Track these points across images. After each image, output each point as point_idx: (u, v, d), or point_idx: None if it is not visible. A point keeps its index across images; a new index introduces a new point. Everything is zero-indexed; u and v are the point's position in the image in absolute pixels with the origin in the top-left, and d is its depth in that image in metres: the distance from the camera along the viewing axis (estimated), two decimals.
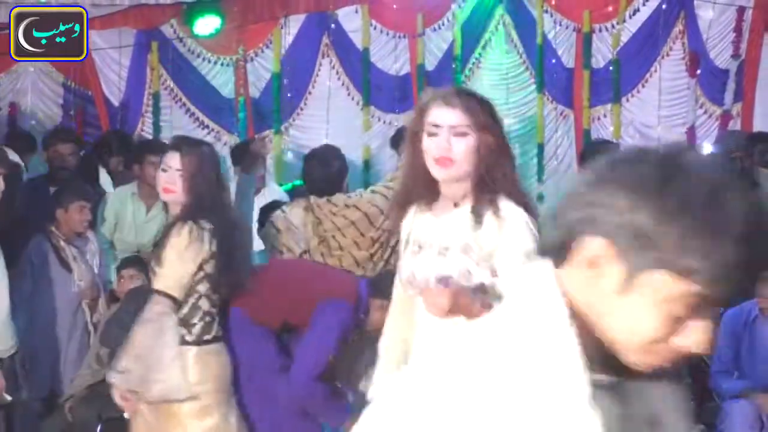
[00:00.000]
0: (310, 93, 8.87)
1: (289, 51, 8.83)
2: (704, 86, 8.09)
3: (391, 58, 8.71)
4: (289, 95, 8.88)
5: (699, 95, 8.11)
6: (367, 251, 5.27)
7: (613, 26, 8.26)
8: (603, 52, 8.30)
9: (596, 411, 1.29)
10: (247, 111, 8.92)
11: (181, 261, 4.20)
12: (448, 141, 3.01)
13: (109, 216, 6.99)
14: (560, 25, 8.37)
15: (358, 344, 4.37)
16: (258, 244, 6.24)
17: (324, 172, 5.53)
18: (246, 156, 5.76)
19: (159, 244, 4.30)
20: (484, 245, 2.97)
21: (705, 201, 1.26)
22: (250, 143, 6.38)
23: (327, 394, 4.51)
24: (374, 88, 8.71)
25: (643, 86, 8.24)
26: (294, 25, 8.85)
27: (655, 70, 8.20)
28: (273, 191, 7.40)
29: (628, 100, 8.28)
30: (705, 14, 8.06)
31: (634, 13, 8.22)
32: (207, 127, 8.98)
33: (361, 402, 3.28)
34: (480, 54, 8.53)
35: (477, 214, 3.00)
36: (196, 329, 4.26)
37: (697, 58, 8.05)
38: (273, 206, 5.96)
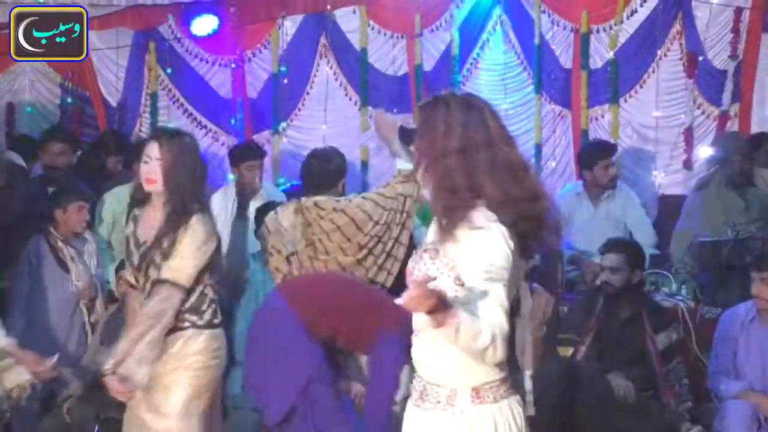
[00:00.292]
0: (307, 93, 8.87)
1: (286, 51, 8.83)
2: (702, 87, 8.08)
3: (388, 58, 8.71)
4: (286, 96, 8.88)
5: (696, 96, 8.11)
6: (354, 257, 5.26)
7: (610, 27, 8.25)
8: (601, 53, 8.29)
9: None
10: (244, 111, 8.92)
11: (200, 253, 4.35)
12: None
13: (107, 216, 7.00)
14: (558, 25, 8.36)
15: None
16: (256, 245, 6.26)
17: (322, 167, 5.55)
18: None
19: (165, 236, 4.33)
20: (450, 254, 2.94)
21: None
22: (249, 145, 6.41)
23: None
24: (372, 88, 8.71)
25: (641, 87, 8.24)
26: (292, 25, 8.85)
27: (653, 71, 8.19)
28: (270, 192, 7.40)
29: (625, 101, 8.27)
30: (702, 15, 8.04)
31: (631, 14, 8.21)
32: (205, 127, 8.99)
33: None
34: (478, 54, 8.53)
35: (449, 223, 2.96)
36: (206, 315, 4.45)
37: (694, 58, 8.04)
38: (269, 207, 5.97)
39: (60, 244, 6.18)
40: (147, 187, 4.43)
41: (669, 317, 6.10)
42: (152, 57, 8.97)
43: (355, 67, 8.74)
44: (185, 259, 4.32)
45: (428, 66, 8.59)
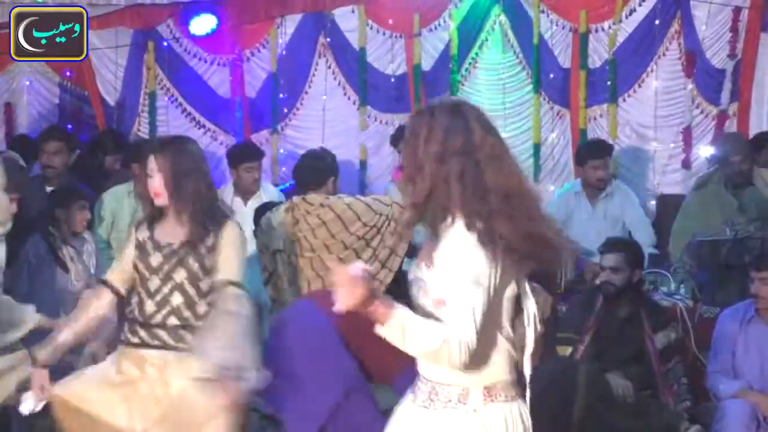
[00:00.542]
0: (306, 93, 8.87)
1: (285, 51, 8.84)
2: (700, 86, 8.09)
3: (387, 58, 8.71)
4: (285, 95, 8.88)
5: (695, 95, 8.11)
6: (337, 255, 5.25)
7: (609, 26, 8.25)
8: (599, 52, 8.30)
9: None
10: (243, 111, 8.92)
11: (244, 253, 4.32)
12: None
13: (106, 215, 7.00)
14: (557, 25, 8.37)
15: None
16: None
17: (312, 166, 5.56)
18: None
19: (199, 240, 4.23)
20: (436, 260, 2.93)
21: None
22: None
23: None
24: (370, 88, 8.71)
25: (640, 86, 8.24)
26: (290, 24, 8.86)
27: (652, 70, 8.20)
28: (268, 192, 7.41)
29: (624, 100, 8.27)
30: (701, 14, 8.05)
31: (630, 14, 8.22)
32: (203, 126, 8.99)
33: None
34: (476, 54, 8.53)
35: (434, 230, 2.95)
36: None
37: (693, 58, 8.05)
38: (267, 207, 5.98)
39: (59, 243, 6.17)
40: (158, 202, 4.29)
41: (668, 316, 6.10)
42: (151, 56, 8.98)
43: (354, 67, 8.74)
44: (234, 261, 4.25)
45: (427, 65, 8.60)
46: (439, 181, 2.90)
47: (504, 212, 2.86)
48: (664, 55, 8.18)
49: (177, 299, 4.26)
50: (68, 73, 9.04)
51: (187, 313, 4.26)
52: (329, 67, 8.81)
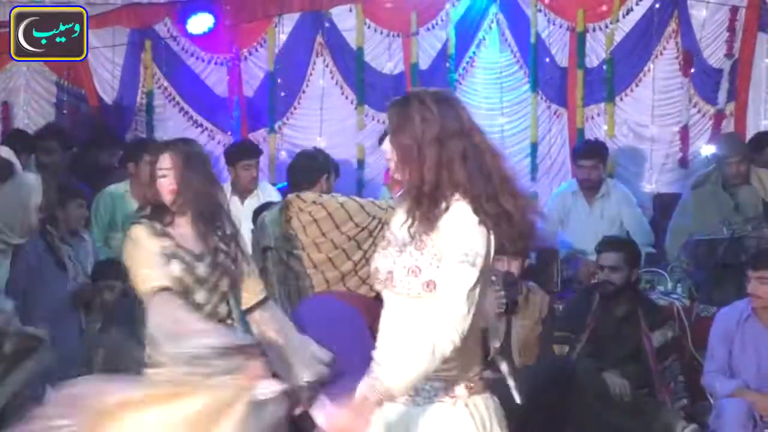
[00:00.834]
0: (303, 92, 8.86)
1: (282, 50, 8.83)
2: (698, 85, 8.09)
3: (384, 57, 8.71)
4: (283, 94, 8.87)
5: (692, 94, 8.12)
6: (326, 254, 5.25)
7: (606, 25, 8.26)
8: (597, 52, 8.30)
9: None
10: (240, 110, 8.92)
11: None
12: None
13: (103, 214, 7.00)
14: (554, 24, 8.37)
15: None
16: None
17: (304, 164, 5.57)
18: None
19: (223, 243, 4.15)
20: (434, 243, 2.94)
21: None
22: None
23: None
24: (368, 87, 8.70)
25: (637, 85, 8.25)
26: (288, 24, 8.85)
27: (649, 70, 8.20)
28: (266, 190, 7.41)
29: (621, 99, 8.28)
30: (698, 14, 8.06)
31: (627, 13, 8.22)
32: (201, 125, 8.98)
33: None
34: (474, 53, 8.53)
35: (429, 214, 2.96)
36: None
37: (690, 57, 8.05)
38: (266, 207, 5.99)
39: (57, 242, 6.17)
40: (170, 198, 4.08)
41: (665, 315, 6.11)
42: (148, 55, 8.96)
43: (351, 66, 8.74)
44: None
45: (424, 65, 8.59)
46: (443, 163, 2.92)
47: (508, 192, 2.91)
48: (661, 54, 8.19)
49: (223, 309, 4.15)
50: (66, 72, 9.03)
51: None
52: (327, 66, 8.80)
